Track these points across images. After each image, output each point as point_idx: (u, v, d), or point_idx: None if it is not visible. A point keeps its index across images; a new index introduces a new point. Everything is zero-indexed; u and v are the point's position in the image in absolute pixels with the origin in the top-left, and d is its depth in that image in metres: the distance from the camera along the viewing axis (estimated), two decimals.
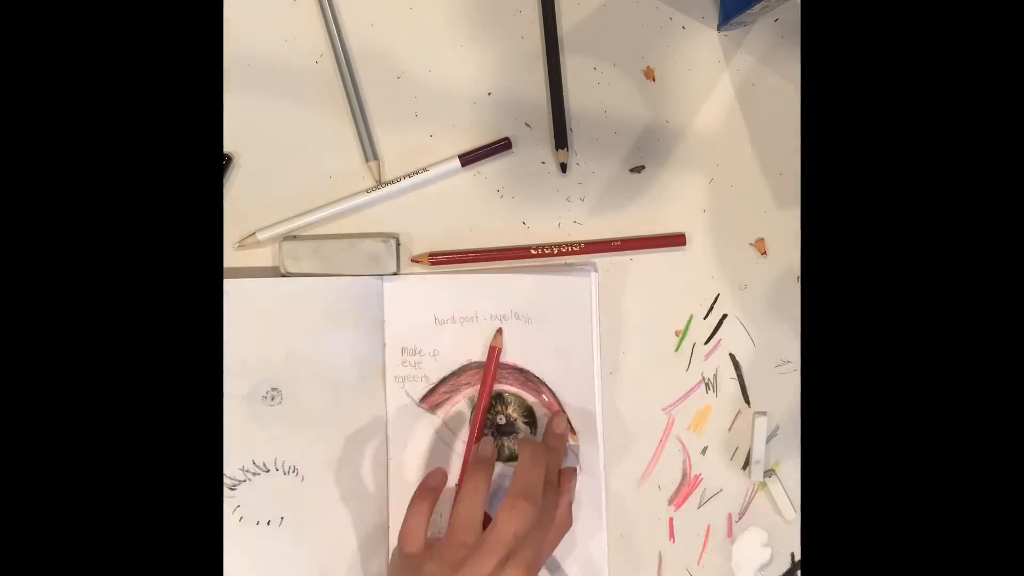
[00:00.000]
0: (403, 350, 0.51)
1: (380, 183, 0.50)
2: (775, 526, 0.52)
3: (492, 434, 0.51)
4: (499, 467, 0.51)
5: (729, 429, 0.52)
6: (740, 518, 0.52)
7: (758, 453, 0.51)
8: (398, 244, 0.50)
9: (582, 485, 0.51)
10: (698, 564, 0.52)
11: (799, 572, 0.52)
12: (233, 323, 0.49)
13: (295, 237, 0.50)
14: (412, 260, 0.50)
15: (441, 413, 0.51)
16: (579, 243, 0.50)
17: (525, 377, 0.51)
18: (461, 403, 0.51)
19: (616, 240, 0.51)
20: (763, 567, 0.52)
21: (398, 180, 0.50)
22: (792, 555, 0.52)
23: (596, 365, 0.50)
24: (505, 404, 0.51)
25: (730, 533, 0.52)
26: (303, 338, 0.50)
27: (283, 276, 0.50)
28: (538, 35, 0.50)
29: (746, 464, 0.52)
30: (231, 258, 0.50)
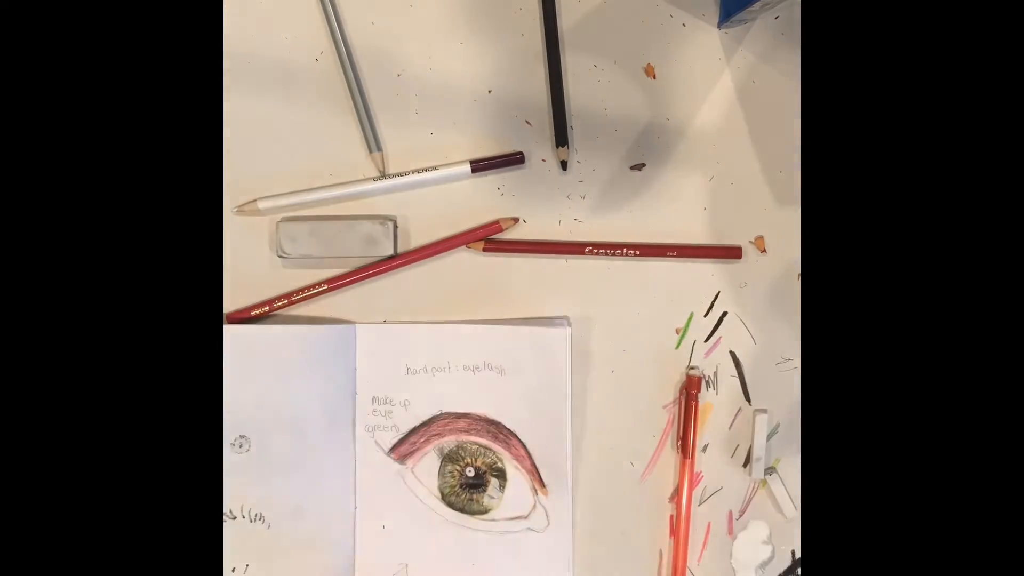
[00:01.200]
0: (374, 399, 0.50)
1: (384, 174, 0.50)
2: (776, 524, 0.52)
3: (462, 485, 0.51)
4: (465, 519, 0.51)
5: (730, 427, 0.52)
6: (741, 515, 0.52)
7: (759, 450, 0.51)
8: (395, 227, 0.50)
9: (551, 543, 0.51)
10: (699, 562, 0.52)
11: (799, 570, 0.52)
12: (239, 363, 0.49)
13: (292, 218, 0.50)
14: (467, 247, 0.50)
15: (410, 463, 0.51)
16: (635, 245, 0.50)
17: (496, 429, 0.51)
18: (431, 453, 0.51)
19: (672, 249, 0.50)
20: (764, 564, 0.52)
21: (406, 174, 0.50)
22: (793, 552, 0.52)
23: (568, 417, 0.50)
24: (474, 456, 0.51)
25: (731, 530, 0.52)
26: (272, 386, 0.50)
27: (281, 258, 0.49)
28: (538, 33, 0.50)
29: (747, 462, 0.52)
30: (230, 231, 0.50)
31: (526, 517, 0.51)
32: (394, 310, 0.51)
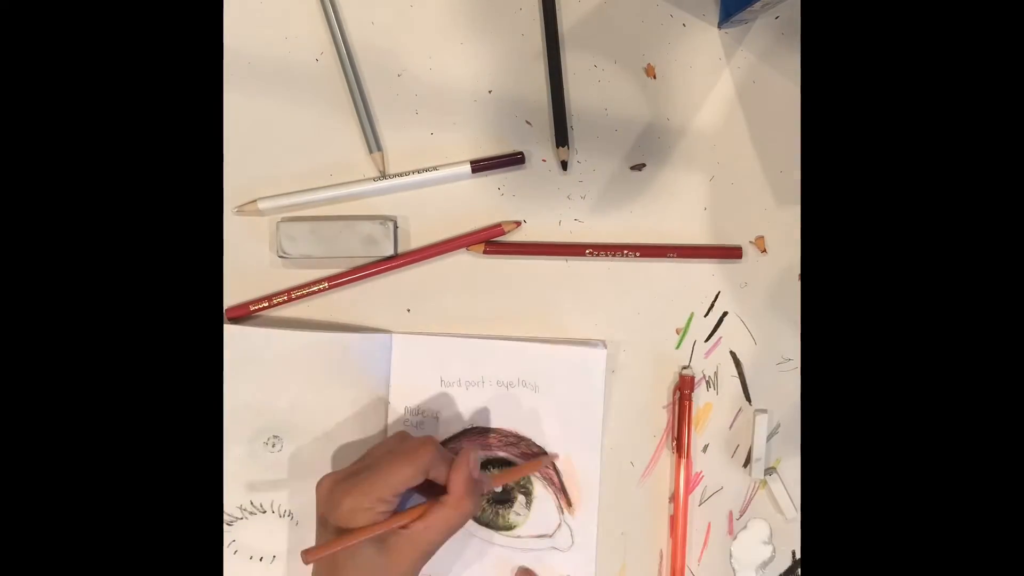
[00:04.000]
0: (406, 409, 0.50)
1: (384, 174, 0.50)
2: (776, 524, 0.52)
3: (488, 500, 0.51)
4: (490, 533, 0.51)
5: (730, 427, 0.52)
6: (741, 515, 0.52)
7: (759, 451, 0.51)
8: (395, 227, 0.50)
9: (573, 563, 0.50)
10: (699, 562, 0.52)
11: (799, 570, 0.52)
12: (237, 369, 0.49)
13: (292, 219, 0.50)
14: (467, 249, 0.50)
15: None
16: (635, 246, 0.50)
17: (527, 446, 0.50)
18: None
19: (672, 249, 0.50)
20: (764, 564, 0.52)
21: (406, 174, 0.50)
22: (793, 553, 0.52)
23: (600, 437, 0.50)
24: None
25: (731, 530, 0.52)
26: (306, 390, 0.50)
27: (281, 258, 0.49)
28: (539, 33, 0.50)
29: (747, 462, 0.52)
30: (230, 231, 0.50)
31: (551, 536, 0.51)
32: (394, 310, 0.51)
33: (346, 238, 0.49)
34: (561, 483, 0.50)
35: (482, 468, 0.50)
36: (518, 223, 0.51)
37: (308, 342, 0.50)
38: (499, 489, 0.50)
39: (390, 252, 0.50)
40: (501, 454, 0.50)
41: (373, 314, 0.51)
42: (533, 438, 0.50)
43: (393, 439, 0.46)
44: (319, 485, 0.44)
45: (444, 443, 0.50)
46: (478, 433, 0.50)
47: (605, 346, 0.51)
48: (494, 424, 0.50)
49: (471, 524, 0.51)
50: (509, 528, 0.51)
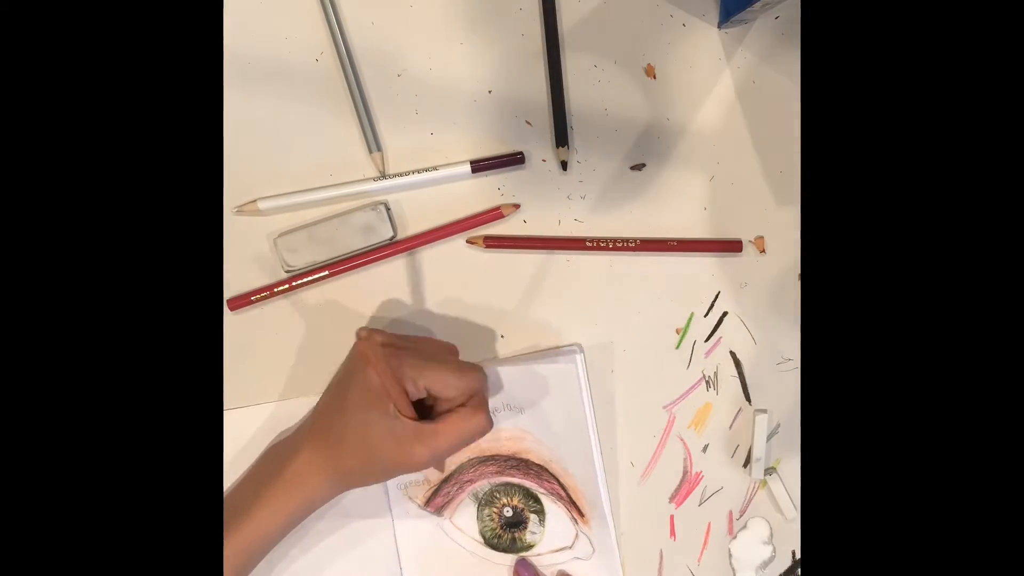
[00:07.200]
0: None
1: (384, 174, 0.50)
2: (776, 524, 0.52)
3: (502, 526, 0.51)
4: (510, 558, 0.51)
5: (730, 427, 0.52)
6: (741, 515, 0.52)
7: (759, 451, 0.51)
8: (388, 208, 0.50)
9: (598, 570, 0.51)
10: (698, 562, 0.52)
11: (799, 570, 0.52)
12: (238, 452, 0.49)
13: (287, 232, 0.50)
14: (467, 242, 0.50)
15: (447, 513, 0.51)
16: (634, 240, 0.50)
17: (526, 466, 0.50)
18: (466, 500, 0.51)
19: (672, 240, 0.51)
20: (764, 564, 0.52)
21: (406, 174, 0.50)
22: (793, 553, 0.52)
23: (594, 444, 0.50)
24: (510, 496, 0.51)
25: (731, 531, 0.52)
26: None
27: (287, 273, 0.50)
28: (539, 33, 0.50)
29: (747, 462, 0.52)
30: (230, 231, 0.50)
31: (570, 547, 0.51)
32: (395, 300, 0.51)
33: (344, 234, 0.49)
34: (569, 496, 0.50)
35: (494, 493, 0.51)
36: (517, 205, 0.50)
37: (295, 411, 0.49)
38: (509, 513, 0.51)
39: (390, 234, 0.50)
40: (508, 479, 0.50)
41: (374, 302, 0.51)
42: (531, 458, 0.50)
43: (444, 346, 0.48)
44: (368, 335, 0.43)
45: (448, 478, 0.51)
46: (479, 463, 0.50)
47: (581, 349, 0.51)
48: (491, 451, 0.50)
49: (491, 554, 0.51)
50: (528, 548, 0.51)
